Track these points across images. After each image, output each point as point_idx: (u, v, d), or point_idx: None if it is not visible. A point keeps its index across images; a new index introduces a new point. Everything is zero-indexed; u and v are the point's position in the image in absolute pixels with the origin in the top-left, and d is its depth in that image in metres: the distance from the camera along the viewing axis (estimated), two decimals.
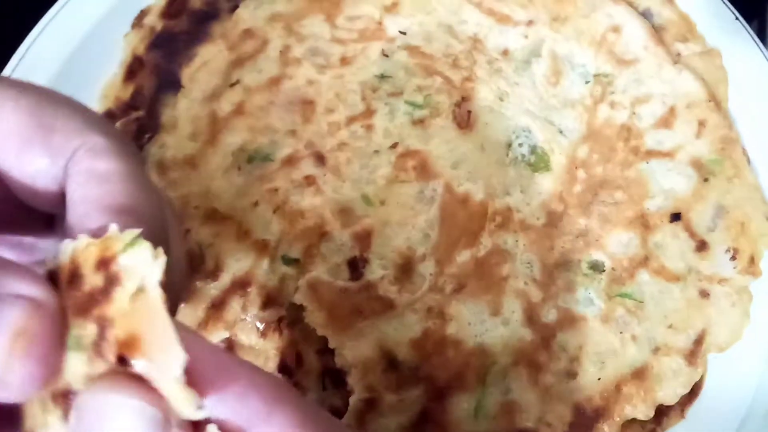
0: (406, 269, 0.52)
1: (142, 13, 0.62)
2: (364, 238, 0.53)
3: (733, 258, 0.53)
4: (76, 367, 0.22)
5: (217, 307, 0.51)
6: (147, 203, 0.26)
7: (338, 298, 0.51)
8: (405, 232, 0.53)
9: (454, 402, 0.49)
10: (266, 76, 0.58)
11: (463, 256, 0.53)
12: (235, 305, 0.51)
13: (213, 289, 0.51)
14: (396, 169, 0.54)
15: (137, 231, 0.23)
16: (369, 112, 0.56)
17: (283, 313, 0.52)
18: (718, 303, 0.53)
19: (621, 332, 0.52)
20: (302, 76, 0.58)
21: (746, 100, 0.58)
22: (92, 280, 0.23)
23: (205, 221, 0.54)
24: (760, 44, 0.59)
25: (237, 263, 0.52)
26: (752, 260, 0.53)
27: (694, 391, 0.52)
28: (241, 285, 0.52)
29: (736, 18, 0.60)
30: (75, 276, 0.23)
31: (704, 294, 0.53)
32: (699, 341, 0.52)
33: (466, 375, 0.50)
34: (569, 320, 0.52)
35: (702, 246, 0.54)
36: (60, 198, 0.26)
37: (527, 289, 0.53)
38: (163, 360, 0.21)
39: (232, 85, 0.58)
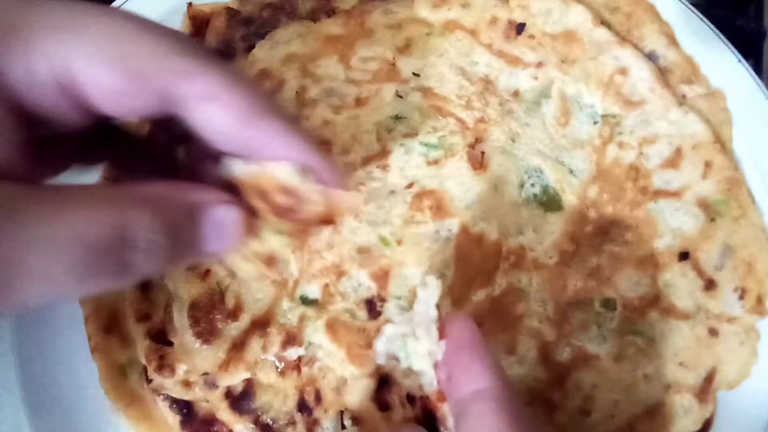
0: None
1: None
2: (382, 278, 0.54)
3: (741, 297, 0.55)
4: (275, 241, 0.38)
5: (238, 347, 0.52)
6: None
7: (356, 337, 0.52)
8: (422, 271, 0.54)
9: None
10: None
11: (479, 296, 0.54)
12: (255, 345, 0.52)
13: (233, 329, 0.52)
14: (412, 209, 0.56)
15: (292, 165, 0.37)
16: (384, 153, 0.58)
17: (303, 352, 0.52)
18: (727, 341, 0.54)
19: (633, 370, 0.53)
20: (318, 116, 0.59)
21: (750, 141, 0.60)
22: (280, 198, 0.38)
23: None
24: (762, 86, 0.61)
25: (256, 303, 0.53)
26: (759, 300, 0.55)
27: (704, 428, 0.53)
28: (260, 325, 0.53)
29: (739, 60, 0.62)
30: (262, 193, 0.38)
31: (713, 332, 0.54)
32: (709, 379, 0.53)
33: None
34: (583, 359, 0.53)
35: (710, 285, 0.56)
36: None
37: (541, 328, 0.54)
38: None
39: None
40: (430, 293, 0.42)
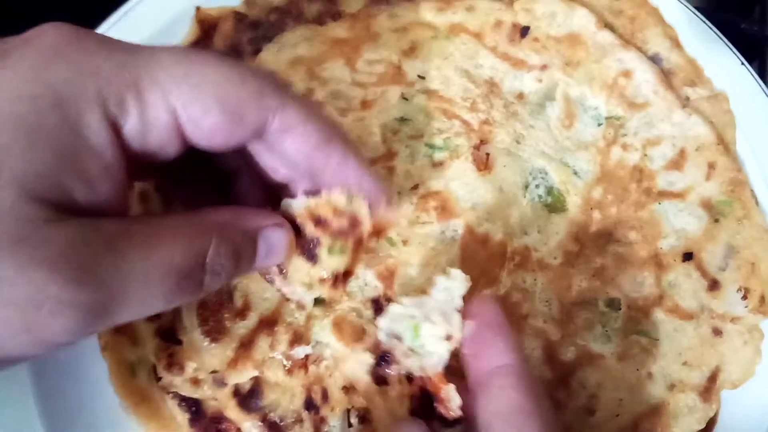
0: None
1: None
2: (388, 278, 0.54)
3: (744, 297, 0.55)
4: (333, 261, 0.45)
5: (246, 346, 0.52)
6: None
7: (363, 336, 0.53)
8: (427, 271, 0.54)
9: None
10: None
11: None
12: (263, 344, 0.53)
13: (242, 328, 0.53)
14: (417, 210, 0.56)
15: (346, 193, 0.43)
16: (390, 155, 0.58)
17: (310, 351, 0.53)
18: (730, 341, 0.55)
19: (638, 369, 0.54)
20: None
21: (753, 143, 0.61)
22: (337, 221, 0.44)
23: None
24: (765, 89, 0.61)
25: (264, 302, 0.54)
26: (763, 299, 0.55)
27: (708, 427, 0.54)
28: (268, 324, 0.53)
29: (742, 63, 0.63)
30: (319, 220, 0.44)
31: (717, 332, 0.55)
32: (713, 378, 0.54)
33: None
34: (587, 358, 0.54)
35: (714, 285, 0.56)
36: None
37: (546, 328, 0.54)
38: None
39: None
40: (456, 284, 0.44)
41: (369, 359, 0.47)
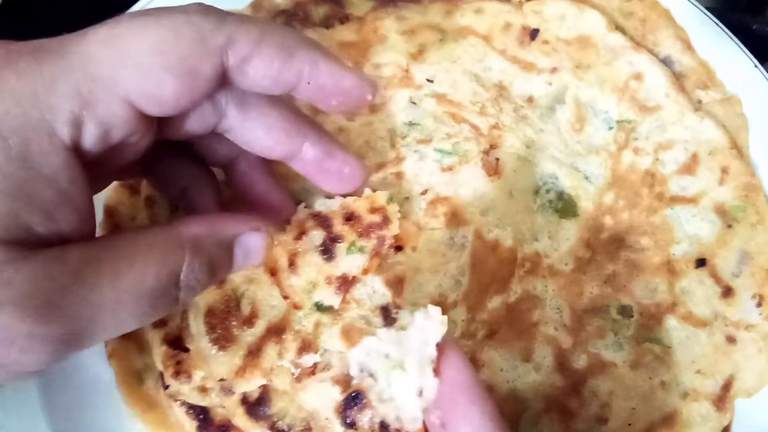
0: None
1: None
2: (397, 285, 0.53)
3: (759, 304, 0.55)
4: (356, 262, 0.46)
5: (254, 354, 0.52)
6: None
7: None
8: (436, 278, 0.54)
9: None
10: None
11: (494, 302, 0.54)
12: (271, 352, 0.52)
13: (249, 336, 0.52)
14: (426, 215, 0.56)
15: (388, 193, 0.48)
16: (398, 159, 0.58)
17: (318, 359, 0.52)
18: (744, 349, 0.54)
19: (650, 378, 0.53)
20: (332, 123, 0.59)
21: (767, 147, 0.60)
22: (369, 218, 0.46)
23: None
24: None
25: (272, 309, 0.53)
26: None
27: None
28: (276, 332, 0.53)
29: (755, 65, 0.62)
30: (352, 216, 0.47)
31: (731, 339, 0.54)
32: (727, 386, 0.53)
33: None
34: (599, 366, 0.53)
35: (727, 292, 0.55)
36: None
37: (557, 335, 0.54)
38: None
39: None
40: (433, 328, 0.37)
41: (337, 394, 0.40)
